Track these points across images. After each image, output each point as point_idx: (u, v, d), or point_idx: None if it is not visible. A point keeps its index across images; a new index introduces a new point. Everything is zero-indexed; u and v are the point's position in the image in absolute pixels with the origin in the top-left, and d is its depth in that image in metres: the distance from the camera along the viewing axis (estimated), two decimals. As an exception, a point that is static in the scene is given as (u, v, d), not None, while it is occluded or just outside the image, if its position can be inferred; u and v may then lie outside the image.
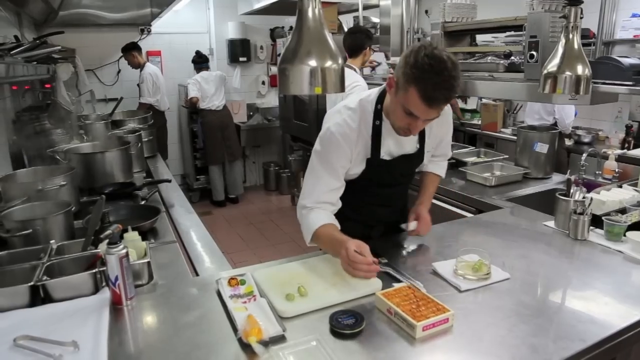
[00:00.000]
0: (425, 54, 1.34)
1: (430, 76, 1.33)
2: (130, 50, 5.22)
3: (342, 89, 1.19)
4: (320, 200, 1.58)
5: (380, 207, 1.79)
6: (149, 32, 5.70)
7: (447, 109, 1.69)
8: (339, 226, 1.58)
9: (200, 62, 5.43)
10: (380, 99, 1.59)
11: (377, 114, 1.59)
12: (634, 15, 3.79)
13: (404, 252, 1.74)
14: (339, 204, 1.63)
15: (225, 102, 5.60)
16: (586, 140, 4.09)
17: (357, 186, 1.68)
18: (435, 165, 1.90)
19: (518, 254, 1.68)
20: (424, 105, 1.37)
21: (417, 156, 1.72)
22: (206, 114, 5.45)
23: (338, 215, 1.64)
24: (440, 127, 1.73)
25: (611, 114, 4.20)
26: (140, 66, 5.31)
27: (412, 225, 1.73)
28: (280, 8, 4.83)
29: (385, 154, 1.63)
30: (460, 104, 5.41)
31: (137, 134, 3.23)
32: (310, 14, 1.14)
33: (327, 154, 1.58)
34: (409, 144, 1.66)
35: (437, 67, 1.33)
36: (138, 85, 5.35)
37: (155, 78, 5.29)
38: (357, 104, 1.61)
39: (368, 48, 3.48)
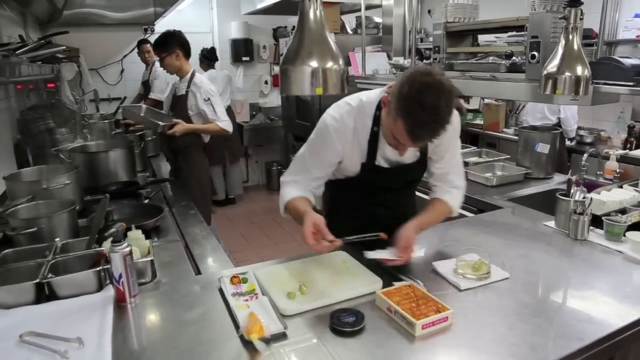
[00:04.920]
0: (419, 87, 1.27)
1: (419, 113, 1.27)
2: (148, 44, 5.17)
3: (342, 89, 1.21)
4: (300, 183, 1.62)
5: (379, 207, 1.74)
6: (153, 31, 5.72)
7: (456, 122, 1.58)
8: (312, 199, 1.61)
9: (211, 58, 5.36)
10: (380, 105, 1.53)
11: (376, 120, 1.55)
12: (636, 16, 3.78)
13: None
14: (320, 190, 1.66)
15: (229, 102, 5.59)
16: (588, 140, 4.09)
17: (356, 187, 1.67)
18: (447, 193, 1.70)
19: (518, 254, 1.69)
20: (408, 139, 1.35)
21: (418, 165, 1.67)
22: (209, 114, 5.44)
23: (338, 212, 1.65)
24: (442, 138, 1.44)
25: (613, 115, 4.20)
26: (153, 63, 5.28)
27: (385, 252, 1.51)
28: (283, 8, 4.84)
29: (381, 160, 1.61)
30: (463, 104, 5.41)
31: (140, 133, 3.25)
32: (311, 15, 1.16)
33: (318, 146, 1.59)
34: (408, 153, 1.57)
35: (428, 105, 1.26)
36: (145, 82, 5.34)
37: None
38: (357, 102, 1.57)
39: None
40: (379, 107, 1.54)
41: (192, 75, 3.10)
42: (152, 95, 5.28)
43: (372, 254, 1.51)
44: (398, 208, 1.76)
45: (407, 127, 1.31)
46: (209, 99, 3.03)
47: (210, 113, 3.03)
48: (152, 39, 5.70)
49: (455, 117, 1.52)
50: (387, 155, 1.60)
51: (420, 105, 1.26)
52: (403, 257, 1.48)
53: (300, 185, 1.63)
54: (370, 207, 1.75)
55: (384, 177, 1.64)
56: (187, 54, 3.11)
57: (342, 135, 1.55)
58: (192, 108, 3.07)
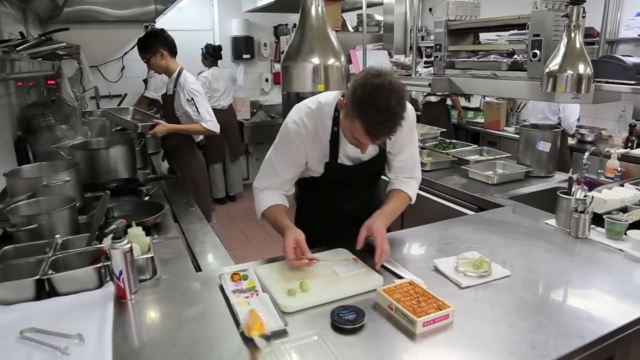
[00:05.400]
0: (371, 89, 1.33)
1: (374, 113, 1.34)
2: None
3: (344, 86, 1.20)
4: (271, 187, 1.70)
5: (346, 202, 1.80)
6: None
7: (411, 117, 1.63)
8: (287, 204, 1.70)
9: (215, 56, 5.33)
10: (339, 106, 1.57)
11: (336, 121, 1.60)
12: (638, 14, 3.77)
13: (406, 249, 1.75)
14: (291, 191, 1.74)
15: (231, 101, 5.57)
16: (589, 139, 4.09)
17: (322, 184, 1.73)
18: (405, 184, 1.77)
19: (519, 252, 1.69)
20: (367, 138, 1.41)
21: (378, 159, 1.73)
22: (210, 113, 5.42)
23: (308, 207, 1.82)
24: (399, 133, 1.51)
25: (615, 113, 4.19)
26: None
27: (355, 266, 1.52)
28: (284, 5, 4.83)
29: (344, 158, 1.68)
30: (463, 102, 5.41)
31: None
32: (313, 12, 1.16)
33: (283, 149, 1.66)
34: (368, 149, 1.60)
35: (380, 104, 1.33)
36: (145, 80, 5.32)
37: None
38: (316, 104, 1.63)
39: None
40: (337, 109, 1.59)
41: (179, 74, 3.02)
42: (146, 94, 5.27)
43: (345, 274, 1.47)
44: (363, 201, 1.83)
45: (365, 128, 1.37)
46: (192, 99, 2.93)
47: (193, 114, 2.94)
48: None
49: (410, 112, 1.59)
50: (348, 153, 1.67)
51: (373, 106, 1.33)
52: (379, 261, 1.49)
53: (274, 191, 1.70)
54: (337, 202, 1.81)
55: (347, 174, 1.71)
56: (173, 52, 3.05)
57: (302, 136, 1.62)
58: (178, 108, 3.00)
